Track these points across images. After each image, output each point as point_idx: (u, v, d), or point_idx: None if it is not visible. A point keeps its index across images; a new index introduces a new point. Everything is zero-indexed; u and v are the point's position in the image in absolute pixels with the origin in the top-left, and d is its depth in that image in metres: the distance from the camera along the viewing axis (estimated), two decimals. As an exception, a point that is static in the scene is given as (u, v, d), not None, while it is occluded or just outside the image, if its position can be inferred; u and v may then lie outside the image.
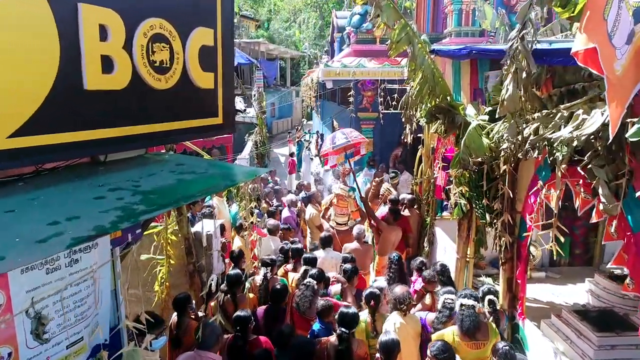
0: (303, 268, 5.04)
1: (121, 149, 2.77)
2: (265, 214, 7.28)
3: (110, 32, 2.52)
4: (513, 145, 2.88)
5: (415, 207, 6.62)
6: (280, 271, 5.51)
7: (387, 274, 5.01)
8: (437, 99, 4.19)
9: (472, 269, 5.15)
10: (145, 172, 2.80)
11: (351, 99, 10.01)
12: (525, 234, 3.64)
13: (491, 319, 3.71)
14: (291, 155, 14.15)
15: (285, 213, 7.69)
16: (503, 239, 3.78)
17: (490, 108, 4.05)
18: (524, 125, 2.90)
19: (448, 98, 4.22)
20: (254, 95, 15.68)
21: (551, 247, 2.77)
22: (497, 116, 3.05)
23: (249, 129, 15.65)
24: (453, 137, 4.55)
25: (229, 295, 4.46)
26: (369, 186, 7.95)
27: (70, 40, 2.30)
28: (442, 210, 6.78)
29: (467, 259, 5.06)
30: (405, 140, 5.38)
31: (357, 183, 7.60)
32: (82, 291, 2.85)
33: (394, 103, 8.37)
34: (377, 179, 8.12)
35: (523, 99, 2.92)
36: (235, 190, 5.38)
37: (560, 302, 6.11)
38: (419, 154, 6.53)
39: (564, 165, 2.68)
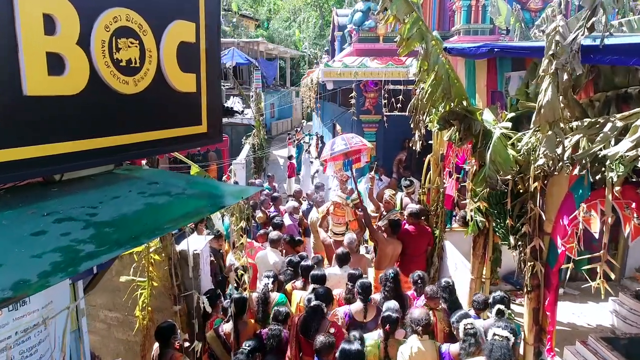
0: (311, 287, 4.58)
1: (77, 167, 2.29)
2: (271, 227, 6.78)
3: (59, 23, 2.04)
4: (552, 162, 2.39)
5: (423, 218, 6.13)
6: (288, 287, 5.09)
7: (382, 291, 4.59)
8: (452, 103, 3.70)
9: (488, 290, 4.66)
10: (108, 194, 2.31)
11: (353, 101, 9.51)
12: (557, 263, 3.14)
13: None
14: (290, 158, 13.66)
15: (287, 221, 7.18)
16: (530, 264, 3.29)
17: (512, 114, 3.57)
18: (564, 137, 2.41)
19: (464, 102, 3.73)
20: (252, 96, 15.18)
21: (598, 284, 2.29)
22: (532, 125, 2.56)
23: (247, 130, 15.17)
24: (469, 145, 4.08)
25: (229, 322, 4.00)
26: (380, 189, 7.46)
27: (2, 34, 1.83)
28: (452, 222, 6.29)
29: (483, 280, 4.58)
30: (413, 147, 4.88)
31: (357, 189, 7.14)
32: (32, 338, 2.37)
33: (398, 105, 7.89)
34: (371, 175, 7.61)
35: (562, 105, 2.43)
36: None
37: (583, 323, 5.64)
38: (426, 160, 6.04)
39: (617, 187, 2.19)
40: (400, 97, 8.01)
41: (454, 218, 6.59)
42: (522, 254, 3.36)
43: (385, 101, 8.55)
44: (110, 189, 2.42)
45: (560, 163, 2.45)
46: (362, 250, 8.15)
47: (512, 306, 5.64)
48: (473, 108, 3.74)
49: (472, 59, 3.99)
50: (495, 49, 3.31)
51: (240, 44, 25.68)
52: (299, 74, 33.92)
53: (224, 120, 15.15)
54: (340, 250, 5.45)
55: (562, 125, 2.43)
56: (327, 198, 8.27)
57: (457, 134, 3.93)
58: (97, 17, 2.21)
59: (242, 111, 16.12)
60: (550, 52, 2.31)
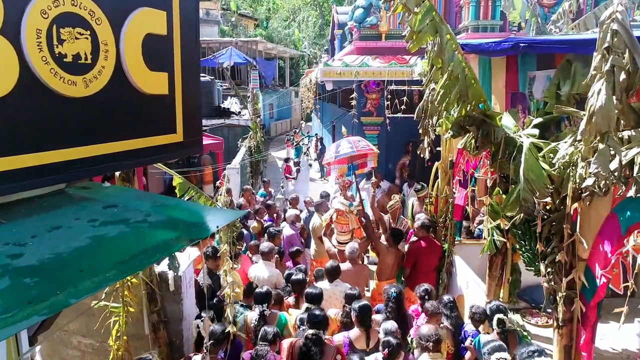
0: (304, 306, 4.14)
1: (7, 191, 1.81)
2: (266, 236, 6.32)
3: (-29, 6, 1.57)
4: (604, 182, 1.91)
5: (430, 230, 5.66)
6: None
7: (385, 312, 4.19)
8: (469, 106, 3.23)
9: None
10: (47, 224, 1.83)
11: (353, 102, 9.03)
12: (595, 295, 2.66)
13: None
14: (287, 160, 13.16)
15: (288, 231, 6.65)
16: (562, 294, 2.81)
17: (539, 119, 3.09)
18: (620, 151, 1.92)
19: (483, 105, 3.26)
20: (248, 96, 14.72)
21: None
22: (580, 135, 2.07)
23: (244, 132, 14.68)
24: (485, 154, 3.61)
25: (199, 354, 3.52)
26: (378, 197, 6.98)
27: None
28: (461, 234, 5.82)
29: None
30: (422, 154, 4.44)
31: (360, 195, 6.69)
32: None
33: (402, 107, 7.40)
34: (373, 181, 7.18)
35: (615, 111, 1.95)
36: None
37: (606, 347, 5.15)
38: (434, 167, 5.56)
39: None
40: (404, 98, 7.52)
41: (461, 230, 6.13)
42: (552, 282, 2.88)
43: (388, 102, 8.06)
44: (53, 215, 1.94)
45: (614, 182, 1.97)
46: (365, 260, 7.70)
47: (528, 326, 5.17)
48: (493, 112, 3.26)
49: (490, 56, 3.51)
50: (522, 44, 2.83)
51: (238, 43, 25.20)
52: (298, 74, 33.45)
53: (220, 121, 14.74)
54: (329, 263, 4.98)
55: (617, 135, 1.95)
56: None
57: (472, 141, 3.46)
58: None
59: (239, 112, 15.64)
60: (605, 45, 1.84)
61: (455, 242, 5.53)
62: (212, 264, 4.59)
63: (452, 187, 5.35)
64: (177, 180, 3.93)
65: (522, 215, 2.49)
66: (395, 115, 7.99)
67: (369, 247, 7.14)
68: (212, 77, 16.44)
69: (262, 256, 5.40)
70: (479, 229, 5.77)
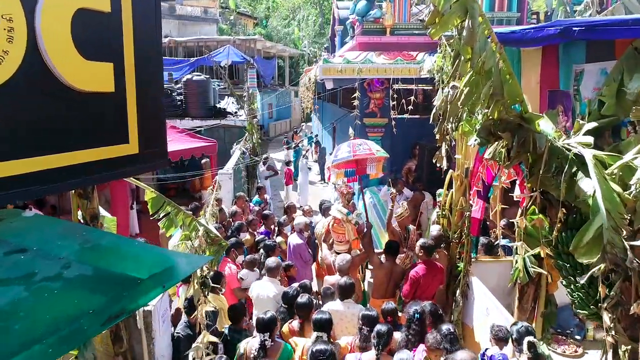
0: (314, 335, 3.61)
1: None
2: (262, 250, 5.73)
3: None
4: None
5: (442, 245, 5.05)
6: (284, 330, 4.08)
7: (406, 334, 3.79)
8: (502, 107, 2.61)
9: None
10: None
11: (355, 102, 8.39)
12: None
13: None
14: (287, 164, 12.53)
15: (295, 240, 6.07)
16: (625, 348, 2.18)
17: (593, 124, 2.47)
18: None
19: (519, 106, 2.65)
20: (244, 96, 14.11)
21: None
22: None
23: (242, 133, 14.05)
24: (514, 166, 3.01)
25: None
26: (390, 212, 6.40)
27: None
28: (477, 251, 5.20)
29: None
30: (438, 163, 3.86)
31: (365, 205, 6.12)
32: None
33: (409, 107, 6.79)
34: (391, 192, 6.61)
35: None
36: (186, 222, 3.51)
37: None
38: (448, 176, 4.94)
39: None
40: (411, 98, 6.91)
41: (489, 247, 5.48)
42: (614, 332, 2.25)
43: (393, 103, 7.44)
44: None
45: None
46: (368, 275, 7.14)
47: (555, 357, 4.56)
48: (532, 115, 2.65)
49: (526, 46, 2.88)
50: (576, 28, 2.17)
51: (236, 41, 24.57)
52: (298, 74, 32.86)
53: (216, 122, 14.12)
54: (343, 280, 4.44)
55: None
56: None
57: (503, 150, 2.84)
58: None
59: (236, 112, 15.03)
60: None
61: (471, 260, 4.92)
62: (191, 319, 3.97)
63: (468, 199, 4.74)
64: (149, 194, 3.31)
65: (603, 265, 1.83)
66: (401, 116, 7.38)
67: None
68: (208, 76, 15.81)
69: (267, 272, 4.88)
70: (506, 246, 5.16)
